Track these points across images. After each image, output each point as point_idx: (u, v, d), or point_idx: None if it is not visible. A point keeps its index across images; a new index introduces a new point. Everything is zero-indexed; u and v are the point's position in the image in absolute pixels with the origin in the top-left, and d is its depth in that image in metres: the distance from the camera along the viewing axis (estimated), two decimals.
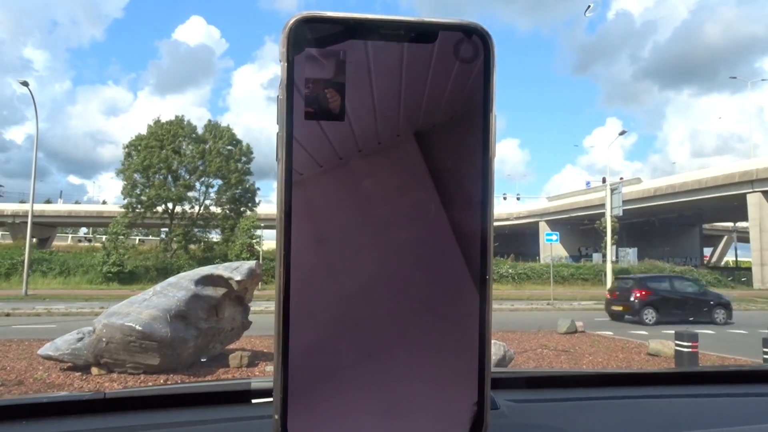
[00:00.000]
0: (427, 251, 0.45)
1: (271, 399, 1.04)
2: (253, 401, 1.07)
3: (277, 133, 0.43)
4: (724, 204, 50.18)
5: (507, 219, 66.39)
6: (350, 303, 0.44)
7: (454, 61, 0.45)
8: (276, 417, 0.43)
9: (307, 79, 0.43)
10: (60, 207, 67.75)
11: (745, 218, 47.21)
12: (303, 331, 0.43)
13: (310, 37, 0.43)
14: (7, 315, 18.48)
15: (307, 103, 0.43)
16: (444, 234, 0.45)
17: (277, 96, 0.43)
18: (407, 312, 0.45)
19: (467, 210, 0.45)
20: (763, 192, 42.46)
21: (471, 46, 0.45)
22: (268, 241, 44.42)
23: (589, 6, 35.47)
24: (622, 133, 41.85)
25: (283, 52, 0.43)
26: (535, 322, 16.82)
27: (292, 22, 0.43)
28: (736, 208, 48.18)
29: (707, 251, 77.81)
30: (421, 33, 0.44)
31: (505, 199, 69.92)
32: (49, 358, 7.89)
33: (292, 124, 0.43)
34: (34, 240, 43.86)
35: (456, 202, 0.45)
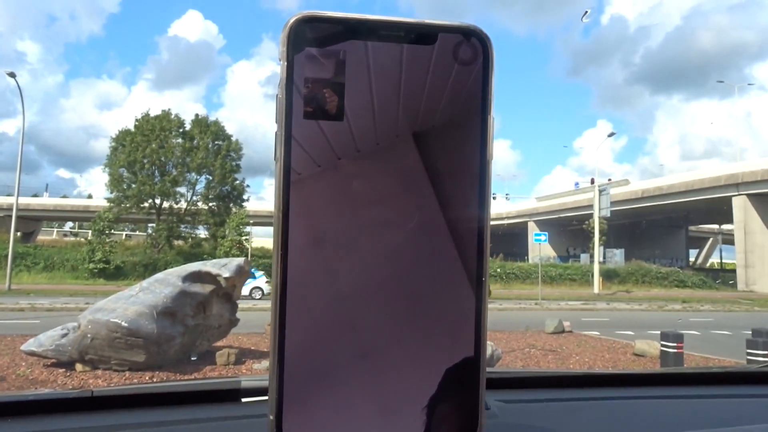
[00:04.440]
0: (423, 252, 0.45)
1: (261, 398, 1.03)
2: (243, 400, 1.07)
3: (276, 132, 0.43)
4: (710, 206, 50.71)
5: (496, 219, 66.63)
6: (347, 303, 0.44)
7: (453, 63, 0.45)
8: (271, 417, 0.43)
9: (307, 78, 0.43)
10: (46, 201, 67.14)
11: (730, 221, 47.67)
12: (299, 330, 0.43)
13: (310, 36, 0.43)
14: None
15: (306, 103, 0.43)
16: (441, 235, 0.45)
17: (276, 95, 0.43)
18: (404, 313, 0.45)
19: (464, 211, 0.45)
20: (749, 195, 42.94)
21: (470, 49, 0.45)
22: (258, 238, 44.32)
23: (586, 11, 36.08)
24: (611, 134, 42.28)
25: (282, 51, 0.43)
26: (522, 321, 16.89)
27: (292, 21, 0.43)
28: (722, 211, 48.71)
29: (693, 253, 78.56)
30: (421, 35, 0.44)
31: (494, 198, 70.08)
32: (32, 354, 7.80)
33: (291, 124, 0.43)
34: (18, 234, 43.37)
35: (453, 203, 0.45)
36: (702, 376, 1.48)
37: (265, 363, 8.47)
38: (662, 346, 9.68)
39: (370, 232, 0.44)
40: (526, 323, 16.04)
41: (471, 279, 0.45)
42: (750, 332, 10.16)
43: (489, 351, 8.16)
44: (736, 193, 43.69)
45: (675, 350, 9.31)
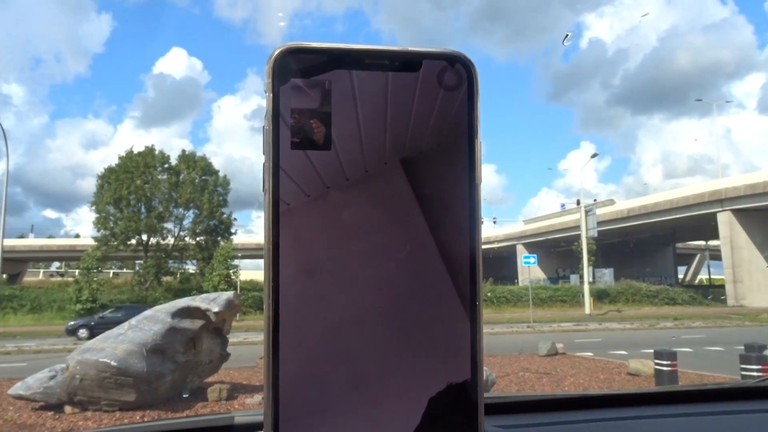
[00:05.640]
0: (416, 278, 0.45)
1: None
2: None
3: (264, 164, 0.43)
4: (696, 223, 51.14)
5: (485, 243, 66.68)
6: (341, 333, 0.44)
7: (438, 89, 0.45)
8: None
9: (293, 109, 0.43)
10: (31, 242, 66.39)
11: (716, 236, 48.05)
12: (293, 363, 0.43)
13: (295, 67, 0.43)
14: None
15: (293, 133, 0.43)
16: (433, 260, 0.45)
17: (263, 126, 0.43)
18: (398, 341, 0.44)
19: (455, 236, 0.45)
20: (733, 210, 43.39)
21: (454, 75, 0.45)
22: (246, 271, 44.02)
23: (567, 35, 36.90)
24: (595, 155, 42.82)
25: (268, 83, 0.43)
26: (515, 345, 16.79)
27: (277, 53, 0.43)
28: (708, 227, 49.10)
29: (681, 270, 78.96)
30: (405, 62, 0.45)
31: (482, 223, 70.21)
32: (20, 397, 7.64)
33: (279, 155, 0.43)
34: (4, 276, 42.75)
35: (444, 228, 0.45)
36: (698, 394, 1.47)
37: (258, 397, 8.33)
38: (656, 364, 9.66)
39: (361, 260, 0.44)
40: (519, 347, 15.95)
41: (465, 303, 0.45)
42: (743, 347, 10.19)
43: (483, 376, 8.09)
44: (721, 209, 44.15)
45: (669, 368, 9.29)
